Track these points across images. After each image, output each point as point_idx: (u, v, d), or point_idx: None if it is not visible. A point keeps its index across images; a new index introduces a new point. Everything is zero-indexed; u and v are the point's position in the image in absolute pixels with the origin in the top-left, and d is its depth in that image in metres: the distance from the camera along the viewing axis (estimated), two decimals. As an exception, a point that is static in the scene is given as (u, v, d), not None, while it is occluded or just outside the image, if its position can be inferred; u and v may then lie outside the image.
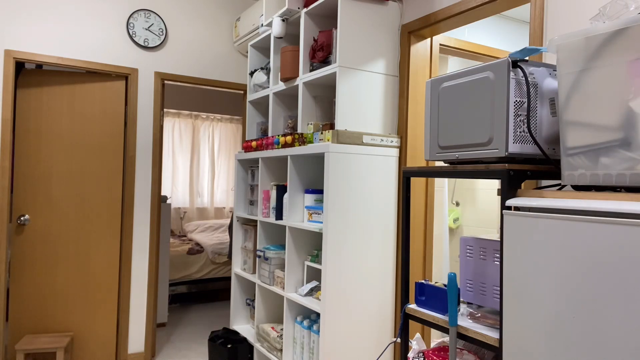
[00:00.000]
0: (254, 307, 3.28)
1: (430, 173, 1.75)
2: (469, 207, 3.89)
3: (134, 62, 3.54)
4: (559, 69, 1.33)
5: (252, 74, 3.46)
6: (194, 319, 4.81)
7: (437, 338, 3.08)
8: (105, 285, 3.50)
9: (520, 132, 1.45)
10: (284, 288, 2.71)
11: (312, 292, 2.61)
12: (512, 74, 1.44)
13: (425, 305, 1.81)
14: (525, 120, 1.46)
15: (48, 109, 3.36)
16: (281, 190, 2.84)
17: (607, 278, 1.11)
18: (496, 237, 1.69)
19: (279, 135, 2.79)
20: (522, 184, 1.57)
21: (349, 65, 2.47)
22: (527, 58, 1.51)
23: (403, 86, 2.64)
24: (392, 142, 2.57)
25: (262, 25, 3.14)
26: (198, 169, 6.99)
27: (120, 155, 3.55)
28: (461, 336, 1.62)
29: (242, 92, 4.06)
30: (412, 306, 1.84)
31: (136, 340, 3.58)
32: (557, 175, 1.51)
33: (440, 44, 2.83)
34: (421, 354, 1.79)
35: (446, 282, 1.83)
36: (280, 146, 2.78)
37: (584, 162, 1.26)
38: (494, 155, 1.48)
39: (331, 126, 2.66)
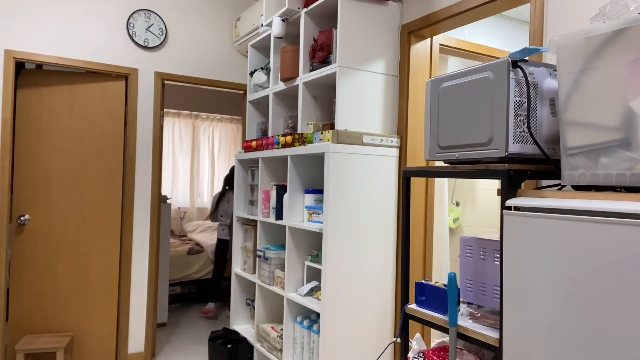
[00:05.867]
0: (254, 307, 3.27)
1: (430, 173, 1.75)
2: (469, 207, 3.89)
3: (134, 62, 3.54)
4: (559, 69, 1.33)
5: (252, 74, 3.46)
6: (194, 319, 4.81)
7: (437, 338, 3.07)
8: (105, 285, 3.50)
9: (520, 132, 1.45)
10: (284, 288, 2.71)
11: (312, 292, 2.61)
12: (512, 74, 1.44)
13: (425, 305, 1.81)
14: (525, 120, 1.46)
15: (48, 109, 3.36)
16: (281, 190, 2.84)
17: (607, 278, 1.11)
18: (496, 237, 1.69)
19: (279, 135, 2.79)
20: (522, 184, 1.57)
21: (349, 65, 2.47)
22: (527, 58, 1.51)
23: (403, 86, 2.64)
24: (392, 142, 2.57)
25: (262, 25, 3.14)
26: (198, 169, 6.99)
27: (120, 155, 3.55)
28: (461, 336, 1.62)
29: (242, 92, 4.06)
30: (412, 306, 1.84)
31: (136, 340, 3.58)
32: (557, 175, 1.51)
33: (440, 44, 2.83)
34: (421, 354, 1.79)
35: (446, 282, 1.83)
36: (280, 146, 2.78)
37: (584, 162, 1.26)
38: (494, 155, 1.48)
39: (331, 126, 2.66)
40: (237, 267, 3.45)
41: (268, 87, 3.23)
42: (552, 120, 1.50)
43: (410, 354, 1.83)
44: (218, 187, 7.16)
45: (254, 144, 3.16)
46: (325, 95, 2.83)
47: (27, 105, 3.31)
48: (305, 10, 2.73)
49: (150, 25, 3.57)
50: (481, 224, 3.81)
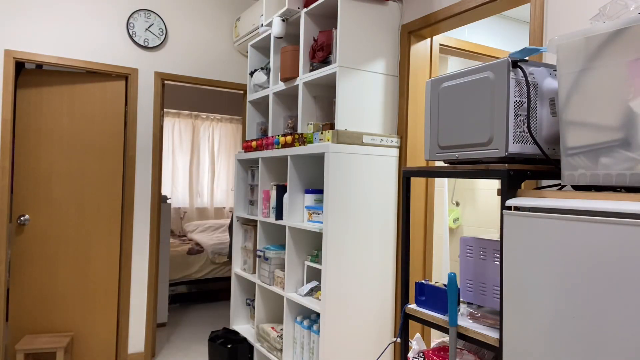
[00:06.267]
0: (254, 307, 3.28)
1: (430, 173, 1.75)
2: (469, 207, 3.89)
3: (134, 62, 3.54)
4: (559, 69, 1.33)
5: (252, 74, 3.46)
6: (194, 319, 4.81)
7: (437, 338, 3.07)
8: (105, 285, 3.50)
9: (520, 132, 1.45)
10: (284, 288, 2.71)
11: (312, 292, 2.61)
12: (512, 74, 1.44)
13: (425, 305, 1.81)
14: (525, 120, 1.46)
15: (48, 109, 3.36)
16: (281, 190, 2.84)
17: (607, 278, 1.11)
18: (496, 237, 1.69)
19: (279, 135, 2.79)
20: (522, 184, 1.57)
21: (349, 65, 2.47)
22: (527, 58, 1.51)
23: (403, 86, 2.64)
24: (392, 142, 2.57)
25: (262, 25, 3.14)
26: (198, 169, 6.99)
27: (120, 155, 3.55)
28: (461, 336, 1.62)
29: (242, 92, 4.06)
30: (412, 306, 1.84)
31: (136, 340, 3.58)
32: (557, 175, 1.51)
33: (440, 44, 2.83)
34: (421, 354, 1.79)
35: (446, 282, 1.83)
36: (280, 146, 2.78)
37: (584, 162, 1.26)
38: (494, 155, 1.48)
39: (331, 126, 2.66)
40: (237, 267, 3.45)
41: (268, 87, 3.23)
42: (552, 120, 1.50)
43: (410, 354, 1.83)
44: (218, 187, 7.16)
45: (254, 144, 3.16)
46: (325, 95, 2.83)
47: (27, 105, 3.31)
48: (305, 10, 2.73)
49: (150, 25, 3.57)
50: (481, 224, 3.81)
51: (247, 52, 3.76)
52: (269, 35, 3.19)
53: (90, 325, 3.46)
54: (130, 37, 3.51)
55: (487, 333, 1.53)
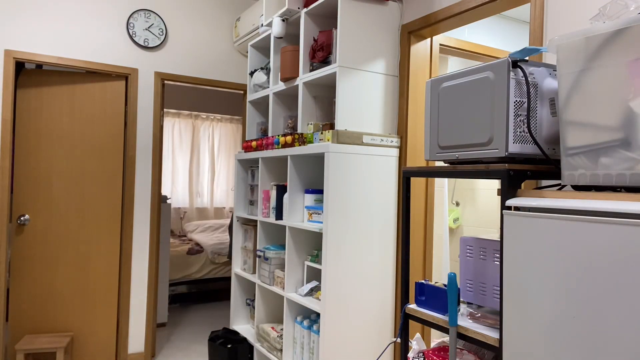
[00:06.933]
0: (254, 307, 3.28)
1: (430, 173, 1.76)
2: (469, 207, 3.89)
3: (134, 62, 3.54)
4: (559, 69, 1.33)
5: (252, 74, 3.46)
6: (194, 319, 4.81)
7: (437, 338, 3.07)
8: (105, 285, 3.50)
9: (520, 132, 1.45)
10: (284, 288, 2.71)
11: (312, 292, 2.61)
12: (512, 74, 1.44)
13: (425, 305, 1.81)
14: (525, 120, 1.46)
15: (48, 109, 3.36)
16: (281, 190, 2.84)
17: (607, 278, 1.11)
18: (496, 237, 1.69)
19: (279, 135, 2.79)
20: (522, 184, 1.57)
21: (349, 65, 2.47)
22: (527, 58, 1.51)
23: (403, 86, 2.64)
24: (392, 142, 2.57)
25: (262, 25, 3.14)
26: (198, 169, 6.99)
27: (120, 155, 3.55)
28: (461, 336, 1.62)
29: (242, 92, 4.06)
30: (412, 306, 1.84)
31: (136, 340, 3.58)
32: (557, 175, 1.51)
33: (440, 44, 2.83)
34: (421, 354, 1.79)
35: (446, 282, 1.83)
36: (280, 146, 2.78)
37: (584, 162, 1.26)
38: (494, 155, 1.48)
39: (331, 126, 2.66)
40: (237, 267, 3.45)
41: (268, 87, 3.23)
42: (552, 120, 1.50)
43: (410, 354, 1.83)
44: (218, 187, 7.16)
45: (254, 144, 3.16)
46: (325, 95, 2.83)
47: (27, 105, 3.31)
48: (305, 10, 2.73)
49: (150, 25, 3.57)
50: (481, 224, 3.81)
51: (247, 52, 3.76)
52: (269, 35, 3.19)
53: (90, 325, 3.46)
54: (130, 37, 3.51)
55: (487, 333, 1.53)
